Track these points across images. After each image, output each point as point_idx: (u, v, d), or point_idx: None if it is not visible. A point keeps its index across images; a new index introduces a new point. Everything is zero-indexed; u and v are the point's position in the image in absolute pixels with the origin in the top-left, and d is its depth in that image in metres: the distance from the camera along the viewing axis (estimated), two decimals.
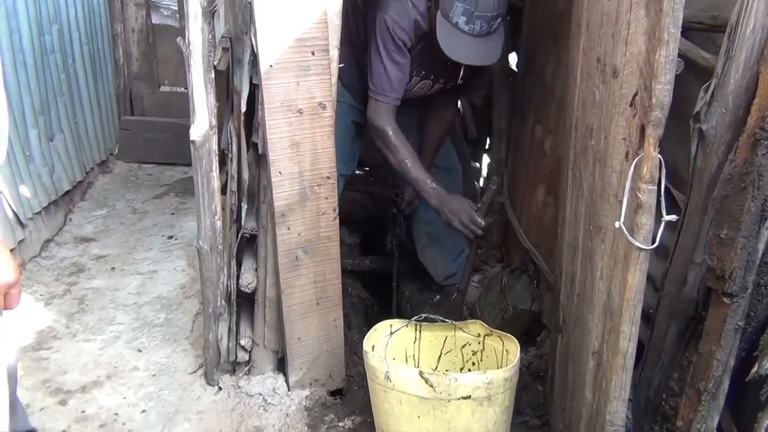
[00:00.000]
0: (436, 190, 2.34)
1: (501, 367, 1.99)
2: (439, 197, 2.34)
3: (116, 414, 2.21)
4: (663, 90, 1.17)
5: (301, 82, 1.86)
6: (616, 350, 1.37)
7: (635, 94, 1.28)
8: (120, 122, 4.66)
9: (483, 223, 2.34)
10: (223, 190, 2.14)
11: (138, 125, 4.68)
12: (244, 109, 1.94)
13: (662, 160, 1.23)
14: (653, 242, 1.28)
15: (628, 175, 1.27)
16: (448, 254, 2.97)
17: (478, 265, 3.48)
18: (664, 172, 1.24)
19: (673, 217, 1.27)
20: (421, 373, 1.72)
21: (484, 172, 3.75)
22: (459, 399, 1.71)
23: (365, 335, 2.93)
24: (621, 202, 1.37)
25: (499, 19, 2.10)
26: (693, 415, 1.48)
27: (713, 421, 1.48)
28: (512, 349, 1.91)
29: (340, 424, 2.16)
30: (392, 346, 1.97)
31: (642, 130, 1.24)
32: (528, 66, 2.85)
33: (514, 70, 3.17)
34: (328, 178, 2.00)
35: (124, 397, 2.29)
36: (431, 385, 1.71)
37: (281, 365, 2.31)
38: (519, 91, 3.01)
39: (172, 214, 3.88)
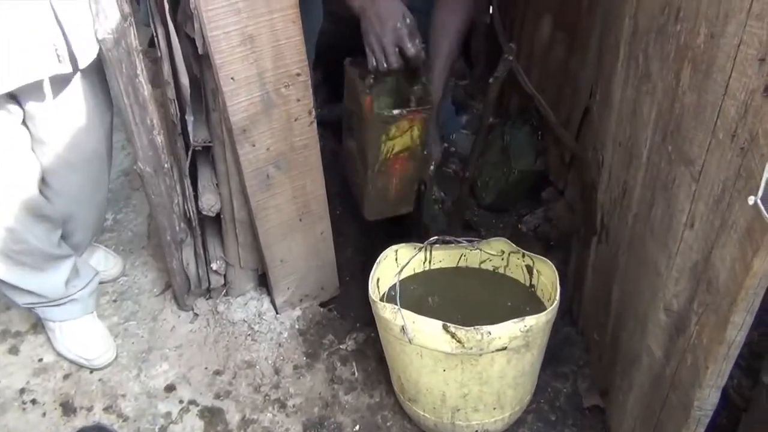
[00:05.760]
0: None
1: (528, 283, 1.68)
2: None
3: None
4: None
5: None
6: (721, 339, 1.05)
7: None
8: None
9: (413, 52, 1.56)
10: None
11: None
12: None
13: None
14: None
15: None
16: None
17: (464, 100, 3.04)
18: None
19: None
20: (446, 327, 1.41)
21: None
22: (493, 352, 1.42)
23: (346, 201, 2.60)
24: (744, 149, 0.95)
25: None
26: None
27: None
28: (545, 271, 1.59)
29: (341, 347, 1.89)
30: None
31: None
32: None
33: None
34: (298, 75, 1.49)
35: None
36: (459, 341, 1.41)
37: (263, 280, 1.98)
38: None
39: None
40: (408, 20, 1.57)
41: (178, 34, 1.45)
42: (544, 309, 1.55)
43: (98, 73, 1.48)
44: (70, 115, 1.48)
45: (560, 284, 1.55)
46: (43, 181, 1.57)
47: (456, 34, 1.89)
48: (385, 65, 1.57)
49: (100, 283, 2.01)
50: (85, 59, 1.39)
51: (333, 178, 2.57)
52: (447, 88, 2.66)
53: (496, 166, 2.44)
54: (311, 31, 2.01)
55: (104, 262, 2.08)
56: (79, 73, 1.43)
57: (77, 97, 1.47)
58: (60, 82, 1.41)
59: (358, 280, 2.06)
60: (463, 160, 2.63)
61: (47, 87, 1.37)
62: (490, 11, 2.80)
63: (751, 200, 0.90)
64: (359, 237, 2.27)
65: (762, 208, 0.89)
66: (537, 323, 1.42)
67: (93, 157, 1.60)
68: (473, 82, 3.05)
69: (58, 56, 1.32)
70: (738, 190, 0.98)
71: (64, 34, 1.31)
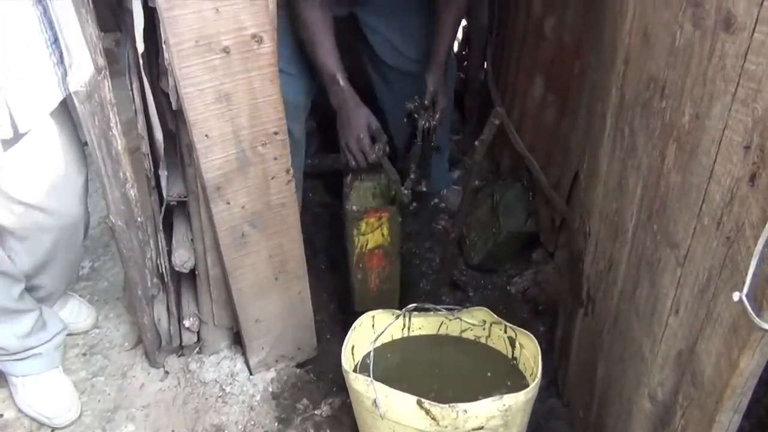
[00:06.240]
0: (343, 91, 1.77)
1: (511, 355, 1.61)
2: (342, 100, 1.78)
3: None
4: None
5: (223, 7, 1.23)
6: None
7: None
8: None
9: (372, 158, 1.76)
10: None
11: None
12: (141, 48, 1.32)
13: None
14: None
15: (762, 233, 0.79)
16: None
17: (457, 156, 3.00)
18: None
19: None
20: (420, 402, 1.33)
21: (459, 36, 3.12)
22: (469, 431, 1.35)
23: (333, 255, 2.54)
24: (730, 239, 0.90)
25: None
26: None
27: None
28: (528, 345, 1.52)
29: (316, 413, 1.81)
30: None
31: None
32: None
33: None
34: (276, 133, 1.44)
35: None
36: (434, 418, 1.33)
37: (238, 338, 1.90)
38: None
39: None
40: (374, 126, 1.77)
41: (154, 89, 1.42)
42: (526, 383, 1.49)
43: (68, 135, 1.46)
44: (34, 176, 1.44)
45: (546, 353, 1.49)
46: (14, 236, 1.52)
47: (455, 20, 2.04)
48: (353, 163, 1.79)
49: (71, 334, 1.94)
50: (26, 126, 1.36)
51: (321, 231, 2.52)
52: (449, 119, 2.60)
53: (485, 226, 2.39)
54: (312, 81, 1.98)
55: (77, 312, 2.01)
56: (49, 133, 1.40)
57: (39, 156, 1.43)
58: (8, 141, 1.38)
59: (339, 339, 1.98)
60: (453, 217, 2.57)
61: None
62: (485, 67, 2.80)
63: (736, 296, 0.84)
64: (343, 293, 2.21)
65: (747, 305, 0.83)
66: (516, 402, 1.34)
67: (63, 220, 1.55)
68: (466, 137, 3.02)
69: None
70: (723, 281, 0.92)
71: (6, 103, 1.29)
